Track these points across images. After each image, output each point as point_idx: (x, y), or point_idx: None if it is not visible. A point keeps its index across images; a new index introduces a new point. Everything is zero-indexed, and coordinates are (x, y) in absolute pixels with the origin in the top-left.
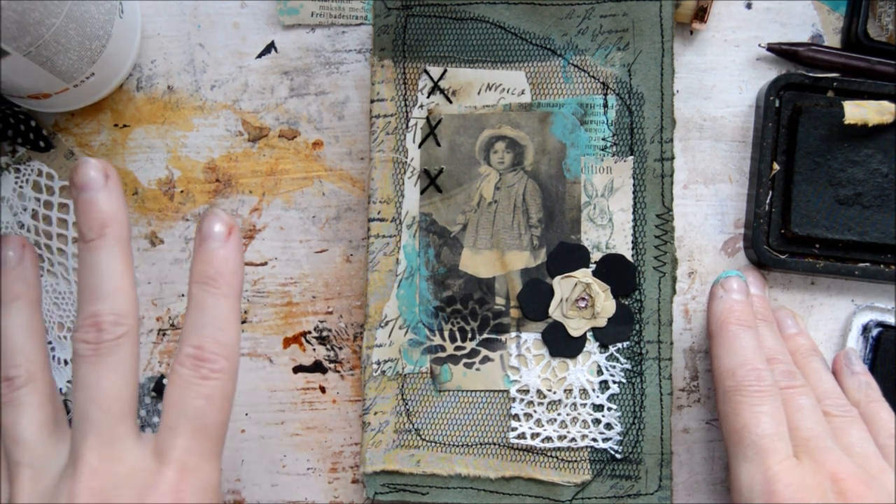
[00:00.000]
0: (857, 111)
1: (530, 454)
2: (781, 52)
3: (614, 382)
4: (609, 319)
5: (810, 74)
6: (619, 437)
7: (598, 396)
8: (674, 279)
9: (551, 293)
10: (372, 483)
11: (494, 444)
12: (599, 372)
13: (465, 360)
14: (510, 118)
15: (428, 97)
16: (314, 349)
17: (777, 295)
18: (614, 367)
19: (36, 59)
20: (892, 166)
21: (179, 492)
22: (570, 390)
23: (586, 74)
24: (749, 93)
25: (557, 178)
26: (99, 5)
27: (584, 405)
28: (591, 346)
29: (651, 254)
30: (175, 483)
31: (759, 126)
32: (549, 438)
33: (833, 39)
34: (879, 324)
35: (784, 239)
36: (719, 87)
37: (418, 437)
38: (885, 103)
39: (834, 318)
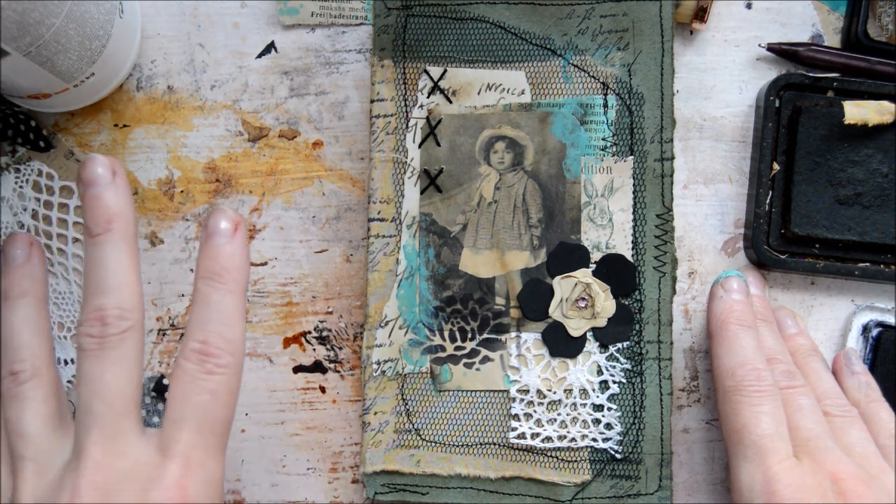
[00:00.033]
0: (857, 111)
1: (530, 454)
2: (781, 52)
3: (614, 382)
4: (609, 319)
5: (810, 74)
6: (619, 437)
7: (598, 396)
8: (674, 279)
9: (551, 293)
10: (372, 483)
11: (494, 444)
12: (599, 372)
13: (465, 360)
14: (510, 118)
15: (428, 97)
16: (314, 349)
17: (777, 295)
18: (614, 367)
19: (36, 59)
20: (892, 166)
21: (183, 487)
22: (570, 390)
23: (586, 74)
24: (749, 93)
25: (557, 178)
26: (99, 5)
27: (584, 405)
28: (591, 346)
29: (651, 254)
30: (179, 477)
31: (759, 126)
32: (549, 438)
33: (833, 39)
34: (879, 324)
35: (784, 239)
36: (719, 87)
37: (418, 437)
38: (885, 103)
39: (834, 318)
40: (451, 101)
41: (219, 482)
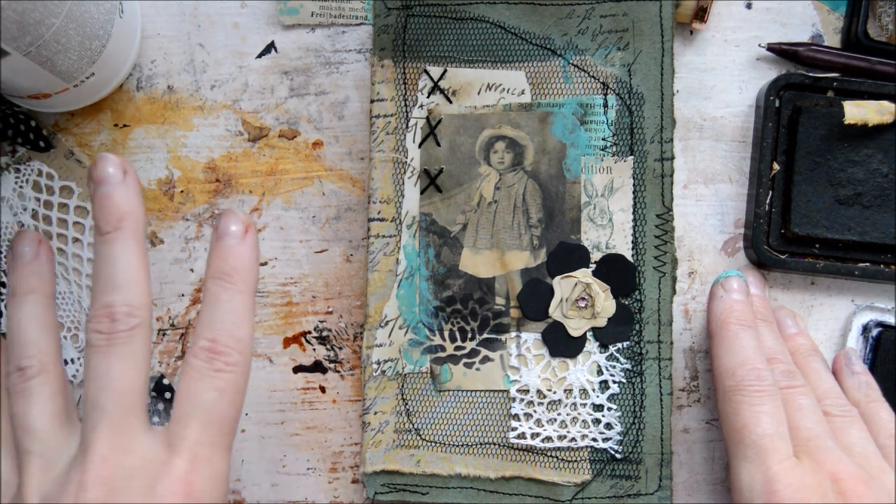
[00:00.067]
0: (857, 111)
1: (530, 454)
2: (781, 52)
3: (614, 382)
4: (609, 319)
5: (810, 74)
6: (619, 437)
7: (598, 396)
8: (674, 279)
9: (551, 293)
10: (372, 483)
11: (494, 444)
12: (599, 372)
13: (465, 360)
14: (510, 118)
15: (428, 97)
16: (314, 349)
17: (777, 295)
18: (614, 367)
19: (36, 59)
20: (892, 166)
21: (190, 482)
22: (570, 390)
23: (586, 74)
24: (749, 93)
25: (557, 178)
26: (99, 5)
27: (584, 405)
28: (591, 346)
29: (651, 254)
30: (185, 473)
31: (759, 126)
32: (549, 438)
33: (833, 39)
34: (879, 324)
35: (784, 239)
36: (719, 87)
37: (418, 437)
38: (885, 103)
39: (834, 318)
40: (451, 101)
41: (224, 480)
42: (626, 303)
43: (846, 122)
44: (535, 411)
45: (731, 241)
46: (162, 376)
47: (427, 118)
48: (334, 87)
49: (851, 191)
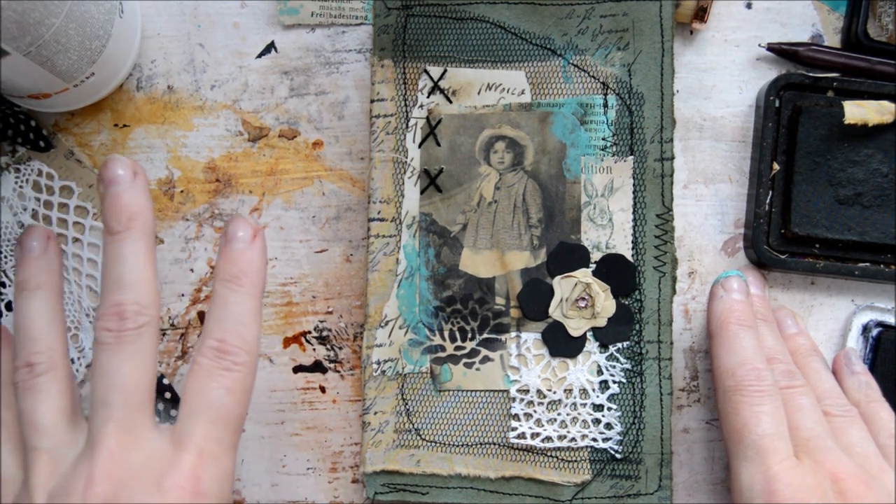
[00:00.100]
0: (857, 111)
1: (530, 454)
2: (781, 52)
3: (614, 382)
4: (609, 319)
5: (810, 74)
6: (619, 437)
7: (598, 396)
8: (674, 279)
9: (551, 293)
10: (372, 483)
11: (494, 443)
12: (599, 372)
13: (465, 360)
14: (510, 118)
15: (428, 97)
16: (314, 349)
17: (777, 295)
18: (614, 366)
19: (36, 59)
20: (892, 166)
21: (197, 477)
22: (570, 390)
23: (586, 74)
24: (749, 93)
25: (557, 178)
26: (99, 5)
27: (584, 405)
28: (591, 345)
29: (651, 254)
30: (193, 468)
31: (759, 126)
32: (549, 438)
33: (833, 39)
34: (879, 324)
35: (784, 239)
36: (719, 87)
37: (418, 437)
38: (885, 103)
39: (834, 318)
40: (451, 101)
41: (230, 478)
42: (626, 303)
43: (846, 122)
44: (535, 411)
45: (731, 241)
46: (162, 376)
47: (427, 118)
48: (334, 87)
49: (851, 191)
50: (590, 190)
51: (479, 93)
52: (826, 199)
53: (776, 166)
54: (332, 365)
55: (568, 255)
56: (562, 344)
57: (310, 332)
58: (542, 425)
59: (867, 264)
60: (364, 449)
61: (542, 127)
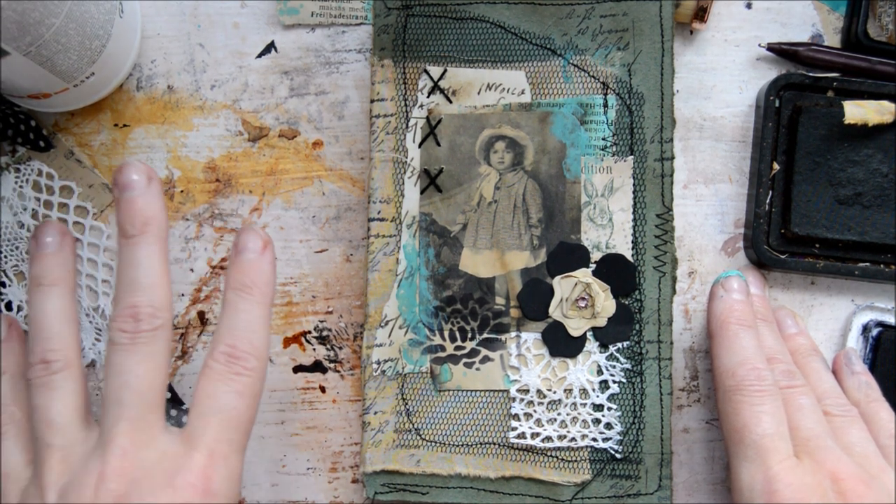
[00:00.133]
0: (857, 111)
1: (530, 454)
2: (781, 52)
3: (614, 382)
4: (609, 319)
5: (810, 74)
6: (619, 437)
7: (598, 396)
8: (674, 279)
9: (551, 293)
10: (372, 483)
11: (494, 443)
12: (599, 372)
13: (465, 360)
14: (510, 118)
15: (428, 97)
16: (314, 349)
17: (777, 295)
18: (614, 366)
19: (36, 59)
20: (892, 166)
21: (208, 476)
22: (570, 390)
23: (586, 74)
24: (749, 93)
25: (557, 177)
26: (99, 5)
27: (584, 405)
28: (591, 345)
29: (651, 254)
30: (204, 467)
31: (759, 126)
32: (549, 438)
33: (833, 39)
34: (879, 324)
35: (784, 239)
36: (719, 87)
37: (418, 437)
38: (885, 103)
39: (834, 318)
40: (451, 101)
41: (238, 480)
42: (626, 303)
43: (846, 122)
44: (535, 411)
45: (731, 241)
46: None
47: (427, 118)
48: (334, 87)
49: (851, 191)
50: (590, 190)
51: (479, 93)
52: (826, 199)
53: (776, 166)
54: (332, 365)
55: (568, 255)
56: (562, 344)
57: (310, 332)
58: (542, 425)
59: (867, 264)
60: (364, 449)
61: (542, 127)
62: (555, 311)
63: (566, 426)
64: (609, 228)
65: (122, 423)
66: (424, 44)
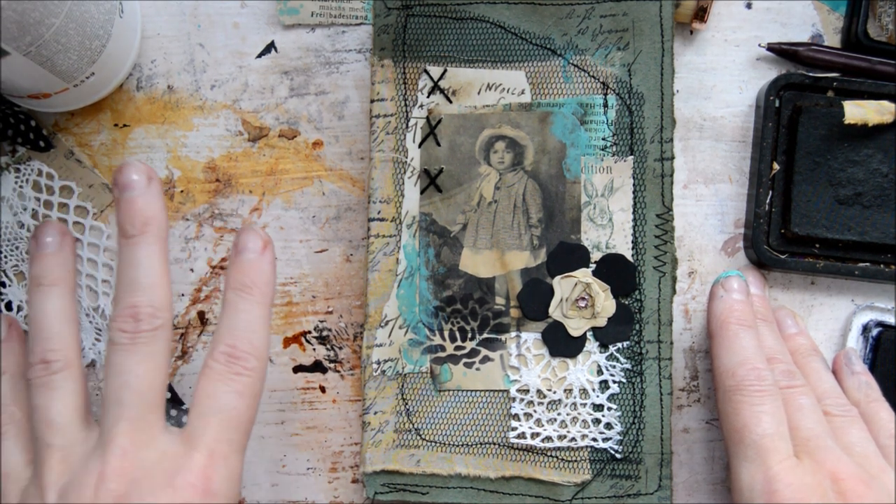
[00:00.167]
0: (857, 111)
1: (530, 454)
2: (781, 52)
3: (614, 382)
4: (609, 319)
5: (810, 74)
6: (619, 437)
7: (598, 396)
8: (674, 279)
9: (551, 293)
10: (372, 483)
11: (494, 443)
12: (599, 372)
13: (465, 360)
14: (510, 118)
15: (428, 97)
16: (314, 349)
17: (777, 295)
18: (614, 366)
19: (36, 59)
20: (892, 166)
21: (208, 477)
22: (570, 390)
23: (586, 74)
24: (749, 93)
25: (557, 177)
26: (99, 5)
27: (584, 405)
28: (591, 345)
29: (651, 254)
30: (204, 467)
31: (759, 126)
32: (549, 438)
33: (833, 39)
34: (879, 324)
35: (784, 239)
36: (719, 87)
37: (418, 437)
38: (885, 103)
39: (834, 318)
40: (451, 101)
41: (238, 480)
42: (626, 303)
43: (846, 122)
44: (535, 411)
45: (731, 241)
46: None
47: (427, 118)
48: (334, 87)
49: (851, 191)
50: (590, 190)
51: (479, 93)
52: (826, 199)
53: (776, 166)
54: (332, 365)
55: (568, 255)
56: (562, 344)
57: (310, 332)
58: (542, 425)
59: (867, 264)
60: (364, 449)
61: (542, 127)
62: (555, 311)
63: (566, 426)
64: (609, 228)
65: (122, 423)
66: (424, 44)
